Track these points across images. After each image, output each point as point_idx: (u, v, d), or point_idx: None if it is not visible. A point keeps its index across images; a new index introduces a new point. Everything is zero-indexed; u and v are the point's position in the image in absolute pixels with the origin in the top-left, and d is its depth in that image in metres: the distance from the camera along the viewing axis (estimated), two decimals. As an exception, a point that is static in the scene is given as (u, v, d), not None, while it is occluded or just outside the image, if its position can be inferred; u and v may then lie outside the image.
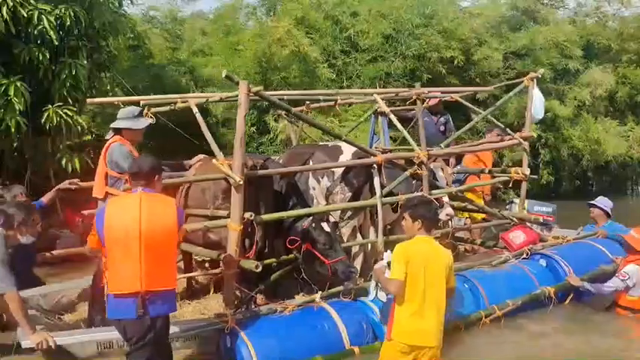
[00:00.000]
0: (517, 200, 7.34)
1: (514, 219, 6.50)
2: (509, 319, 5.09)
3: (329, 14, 12.80)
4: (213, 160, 4.64)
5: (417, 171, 5.61)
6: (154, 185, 3.63)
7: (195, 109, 5.52)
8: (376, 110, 6.96)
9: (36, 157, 8.01)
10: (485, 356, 4.58)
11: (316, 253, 4.77)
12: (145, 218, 3.40)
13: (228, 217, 4.54)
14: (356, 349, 4.30)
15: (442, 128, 7.73)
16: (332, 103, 6.78)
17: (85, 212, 5.52)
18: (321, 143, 6.60)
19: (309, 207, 5.27)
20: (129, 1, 9.32)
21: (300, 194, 5.41)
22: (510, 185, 7.23)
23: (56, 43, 7.21)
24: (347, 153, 5.63)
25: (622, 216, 7.45)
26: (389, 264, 4.01)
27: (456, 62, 12.64)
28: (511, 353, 4.68)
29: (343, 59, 12.51)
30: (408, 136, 5.92)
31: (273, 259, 5.01)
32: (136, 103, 5.61)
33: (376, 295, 4.22)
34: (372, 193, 5.47)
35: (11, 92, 6.83)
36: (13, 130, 6.93)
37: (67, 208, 8.85)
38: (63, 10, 7.20)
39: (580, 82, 14.32)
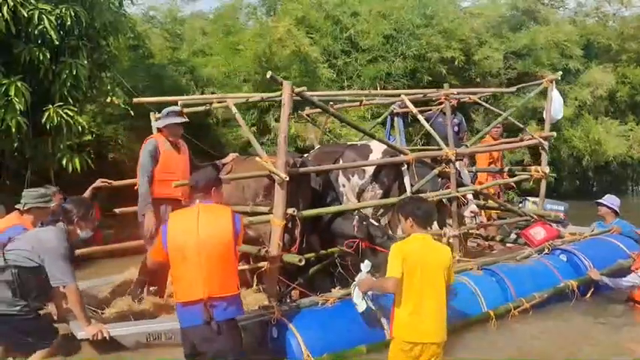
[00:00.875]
0: (530, 198, 7.69)
1: (534, 216, 6.68)
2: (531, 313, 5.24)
3: (329, 14, 12.79)
4: (257, 159, 4.82)
5: (445, 169, 5.83)
6: (212, 197, 3.75)
7: (234, 110, 5.75)
8: (392, 111, 7.29)
9: (36, 157, 7.99)
10: (510, 351, 4.63)
11: (377, 247, 5.01)
12: (202, 229, 3.55)
13: (269, 213, 4.74)
14: None
15: (456, 129, 7.84)
16: (357, 104, 6.99)
17: (118, 210, 5.92)
18: (349, 143, 6.74)
19: (344, 204, 5.53)
20: (129, 1, 9.30)
21: (335, 191, 5.66)
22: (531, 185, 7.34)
23: (57, 43, 7.18)
24: (377, 152, 5.80)
25: (623, 215, 7.49)
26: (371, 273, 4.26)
27: (456, 62, 12.64)
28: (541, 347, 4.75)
29: (344, 59, 12.51)
30: (436, 136, 6.19)
31: (313, 254, 5.16)
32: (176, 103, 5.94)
33: (367, 305, 4.32)
34: (400, 190, 5.66)
35: (12, 92, 6.81)
36: (13, 130, 6.91)
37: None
38: (63, 10, 7.17)
39: (580, 81, 14.32)
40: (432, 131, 6.21)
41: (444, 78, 12.59)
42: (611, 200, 6.70)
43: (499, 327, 4.95)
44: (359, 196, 5.71)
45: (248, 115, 10.81)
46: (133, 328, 4.45)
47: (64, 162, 7.63)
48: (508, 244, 7.01)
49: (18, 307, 4.13)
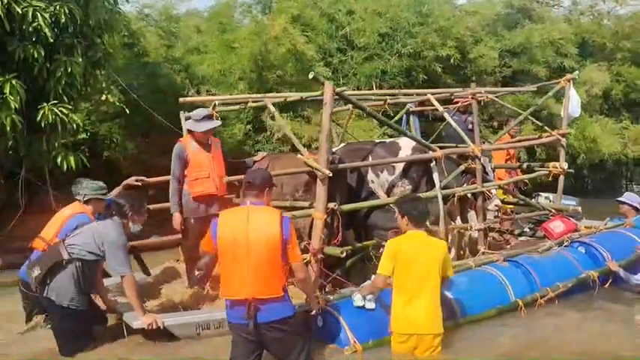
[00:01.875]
0: (542, 194, 8.24)
1: (552, 210, 7.01)
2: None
3: (324, 12, 12.76)
4: (299, 156, 5.14)
5: (471, 165, 6.13)
6: (264, 197, 3.90)
7: (272, 109, 6.03)
8: (409, 110, 7.59)
9: (31, 155, 7.96)
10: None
11: None
12: (252, 231, 3.67)
13: (309, 208, 5.08)
14: None
15: (470, 126, 7.98)
16: (382, 102, 7.17)
17: (151, 207, 5.96)
18: (377, 140, 6.93)
19: (378, 199, 5.77)
20: (124, -1, 9.27)
21: (369, 187, 5.86)
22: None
23: (51, 41, 7.13)
24: (406, 148, 6.01)
25: (616, 213, 7.59)
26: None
27: (452, 61, 12.63)
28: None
29: (339, 57, 12.49)
30: (462, 133, 6.50)
31: (350, 247, 5.35)
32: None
33: (363, 305, 4.49)
34: (428, 186, 5.91)
35: (6, 90, 6.77)
36: (8, 128, 6.87)
37: (55, 208, 8.80)
38: (58, 7, 7.12)
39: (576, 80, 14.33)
40: (458, 129, 6.51)
41: (440, 76, 12.61)
42: (631, 198, 6.93)
43: (517, 318, 5.14)
44: (389, 191, 5.89)
45: (244, 113, 10.78)
46: (183, 318, 4.67)
47: (58, 160, 7.59)
48: (522, 238, 7.29)
49: (78, 301, 4.37)
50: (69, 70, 7.29)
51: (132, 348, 4.55)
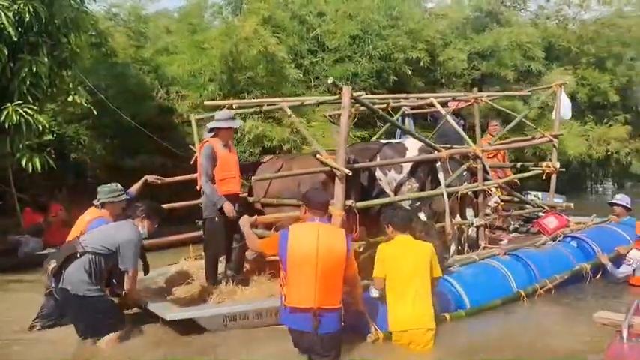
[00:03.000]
0: (531, 192, 8.77)
1: (546, 207, 7.51)
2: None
3: (295, 14, 12.75)
4: (317, 156, 5.43)
5: (473, 165, 6.52)
6: (326, 215, 4.34)
7: (288, 112, 6.30)
8: (404, 112, 7.95)
9: (-6, 156, 7.76)
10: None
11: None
12: (322, 246, 4.04)
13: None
14: (447, 316, 4.98)
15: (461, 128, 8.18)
16: (384, 105, 7.39)
17: (166, 206, 6.18)
18: (384, 141, 7.09)
19: (387, 197, 5.98)
20: (91, -2, 9.11)
21: (379, 186, 6.14)
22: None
23: (15, 40, 6.96)
24: (412, 149, 6.25)
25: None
26: None
27: (421, 63, 12.75)
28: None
29: (310, 59, 12.49)
30: (463, 134, 7.02)
31: (363, 241, 5.46)
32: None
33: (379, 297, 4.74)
34: (433, 184, 6.23)
35: (-33, 90, 6.60)
36: (-31, 129, 6.70)
37: (27, 208, 8.61)
38: (22, 6, 6.93)
39: (542, 83, 14.59)
40: (461, 132, 6.98)
41: (410, 78, 12.72)
42: (623, 199, 7.40)
43: (515, 311, 5.41)
44: (397, 189, 6.12)
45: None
46: (211, 310, 4.89)
47: (23, 162, 7.39)
48: (514, 234, 7.73)
49: (95, 289, 4.57)
50: (34, 69, 7.13)
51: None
